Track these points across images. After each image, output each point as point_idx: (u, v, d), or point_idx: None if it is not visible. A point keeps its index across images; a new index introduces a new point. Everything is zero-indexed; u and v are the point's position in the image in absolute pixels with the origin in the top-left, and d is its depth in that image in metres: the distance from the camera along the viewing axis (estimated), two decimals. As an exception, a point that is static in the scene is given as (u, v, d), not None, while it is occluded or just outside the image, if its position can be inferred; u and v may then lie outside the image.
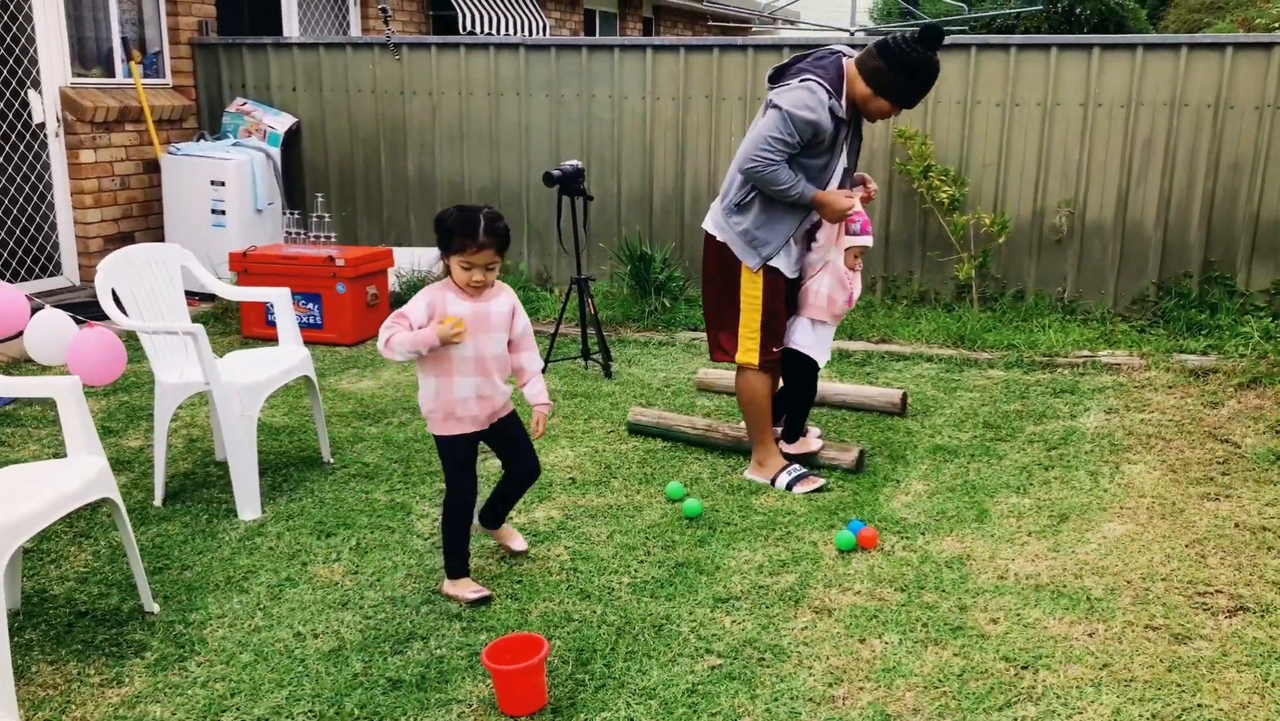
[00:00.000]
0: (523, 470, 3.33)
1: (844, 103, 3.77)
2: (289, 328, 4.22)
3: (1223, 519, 3.70)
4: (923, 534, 3.64)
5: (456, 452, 3.15)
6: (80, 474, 2.91)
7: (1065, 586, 3.25)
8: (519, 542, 3.50)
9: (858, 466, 4.19)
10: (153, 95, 7.50)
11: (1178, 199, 6.28)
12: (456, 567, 3.22)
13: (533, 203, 7.33)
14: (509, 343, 3.16)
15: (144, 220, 7.54)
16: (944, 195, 6.28)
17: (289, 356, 4.10)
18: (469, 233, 2.94)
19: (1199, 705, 2.62)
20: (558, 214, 5.60)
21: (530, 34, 11.93)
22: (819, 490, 3.98)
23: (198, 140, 7.60)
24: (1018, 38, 6.38)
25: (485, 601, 3.17)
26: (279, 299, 4.22)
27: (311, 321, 6.22)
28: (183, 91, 7.85)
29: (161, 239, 7.43)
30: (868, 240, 3.99)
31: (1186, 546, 3.50)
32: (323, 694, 2.74)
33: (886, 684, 2.75)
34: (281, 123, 7.57)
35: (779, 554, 3.51)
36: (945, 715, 2.61)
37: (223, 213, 7.07)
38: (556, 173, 5.40)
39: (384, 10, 7.44)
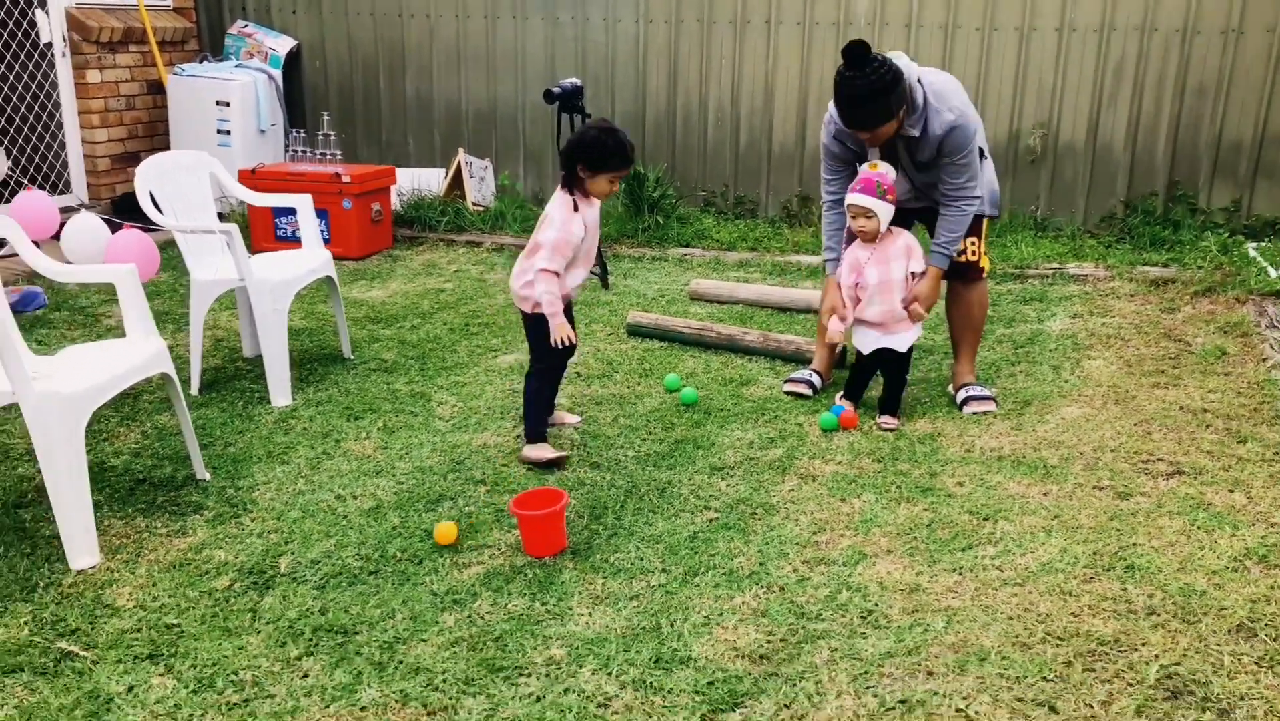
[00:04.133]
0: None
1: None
2: (311, 231, 4.51)
3: (1169, 403, 4.09)
4: (899, 416, 4.00)
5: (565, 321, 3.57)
6: (144, 349, 3.23)
7: (1025, 457, 3.63)
8: (572, 418, 3.95)
9: (841, 361, 4.54)
10: (154, 17, 7.66)
11: (1146, 122, 6.59)
12: (538, 433, 3.65)
13: (528, 124, 7.58)
14: None
15: (149, 140, 7.73)
16: (924, 116, 6.56)
17: (313, 258, 4.40)
18: (623, 158, 3.49)
19: (1134, 544, 3.01)
20: (556, 131, 5.86)
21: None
22: (797, 395, 4.26)
23: (200, 62, 7.78)
24: (997, -36, 6.62)
25: (561, 463, 3.59)
26: (302, 204, 4.50)
27: (319, 236, 6.48)
28: (183, 13, 8.00)
29: (167, 159, 7.64)
30: (854, 198, 3.81)
31: (1135, 425, 3.88)
32: (367, 541, 3.10)
33: (864, 532, 3.13)
34: (282, 45, 7.76)
35: (768, 432, 3.87)
36: (915, 554, 2.99)
37: (228, 132, 7.29)
38: (556, 90, 5.65)
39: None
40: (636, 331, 4.98)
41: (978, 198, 3.88)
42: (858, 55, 3.57)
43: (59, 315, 5.23)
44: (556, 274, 3.51)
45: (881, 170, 3.83)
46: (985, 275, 4.15)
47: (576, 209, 3.55)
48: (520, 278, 3.61)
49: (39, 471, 3.52)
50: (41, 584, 2.88)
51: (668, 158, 7.33)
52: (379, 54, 7.75)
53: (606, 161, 3.49)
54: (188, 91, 7.35)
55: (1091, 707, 2.33)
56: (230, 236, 3.96)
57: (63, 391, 2.89)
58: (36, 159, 7.16)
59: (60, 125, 7.26)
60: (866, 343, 4.02)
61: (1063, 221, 6.78)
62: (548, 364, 3.67)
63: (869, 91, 3.58)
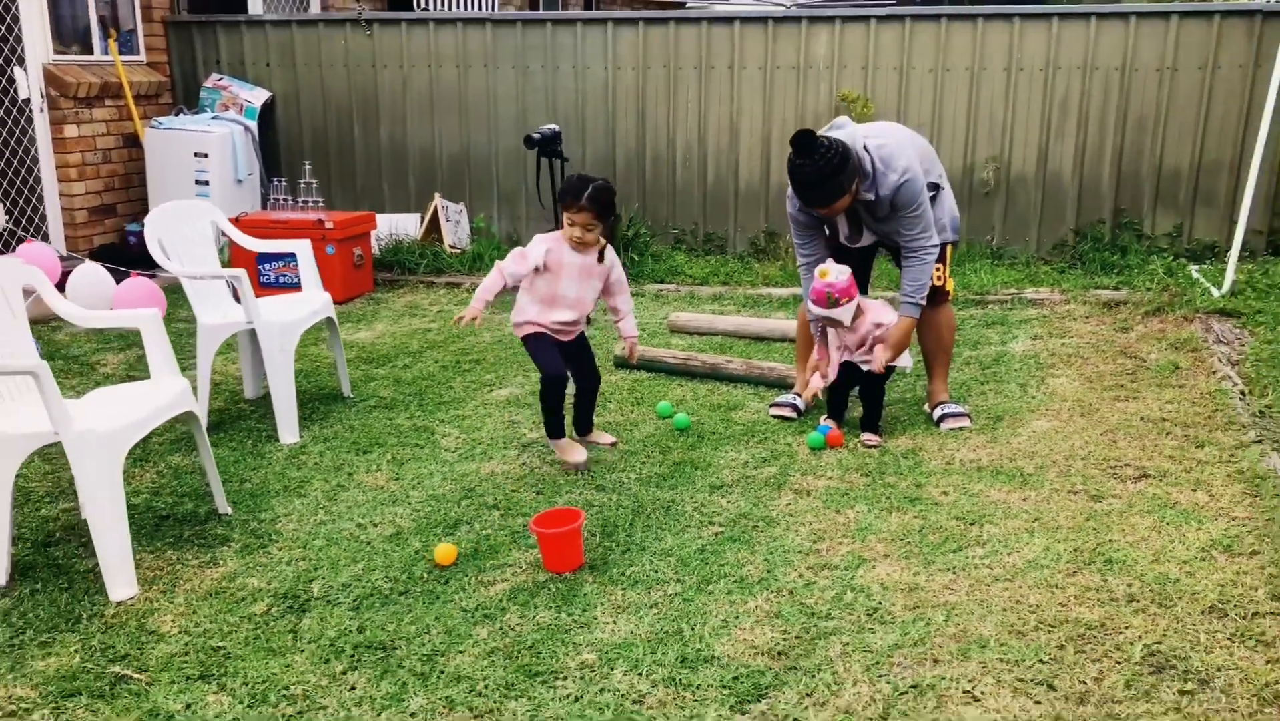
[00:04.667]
0: (587, 381, 4.16)
1: None
2: (311, 274, 4.68)
3: (1130, 414, 4.37)
4: (880, 434, 4.24)
5: (541, 343, 3.98)
6: (170, 389, 3.37)
7: (1002, 467, 3.88)
8: (607, 438, 4.23)
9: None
10: (129, 71, 7.80)
11: (1091, 153, 6.97)
12: (555, 428, 4.01)
13: (501, 169, 7.80)
14: (606, 289, 4.05)
15: (125, 193, 7.84)
16: (884, 153, 6.90)
17: (315, 299, 4.56)
18: (574, 195, 3.76)
19: (1110, 541, 3.26)
20: (536, 175, 6.10)
21: (484, 9, 12.31)
22: (783, 418, 4.46)
23: (176, 115, 7.92)
24: (947, 9, 7.00)
25: (584, 468, 3.92)
26: (302, 249, 4.68)
27: (299, 282, 6.62)
28: (157, 68, 8.14)
29: (145, 210, 7.75)
30: (811, 310, 4.18)
31: (1101, 434, 4.16)
32: (393, 565, 3.26)
33: (861, 539, 3.35)
34: (257, 96, 7.93)
35: (761, 453, 4.09)
36: (910, 557, 3.22)
37: (206, 183, 7.42)
38: (536, 135, 5.89)
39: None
40: (624, 363, 5.18)
41: (935, 246, 4.15)
42: (805, 143, 3.85)
43: (52, 364, 5.31)
44: (503, 274, 3.83)
45: (830, 279, 4.09)
46: (950, 298, 4.43)
47: (551, 240, 3.89)
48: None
49: (64, 511, 3.66)
50: (85, 614, 3.00)
51: (639, 198, 7.59)
52: (353, 104, 7.95)
53: (563, 198, 3.84)
54: (165, 143, 7.48)
55: (1085, 684, 2.55)
56: (239, 281, 4.12)
57: (100, 430, 3.03)
58: (15, 212, 7.23)
59: (39, 179, 7.35)
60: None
61: (1017, 250, 7.12)
62: (542, 375, 3.96)
63: (818, 176, 3.87)
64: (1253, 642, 2.69)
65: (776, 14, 7.20)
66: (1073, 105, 6.90)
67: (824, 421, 4.30)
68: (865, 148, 3.99)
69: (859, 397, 4.34)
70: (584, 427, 4.23)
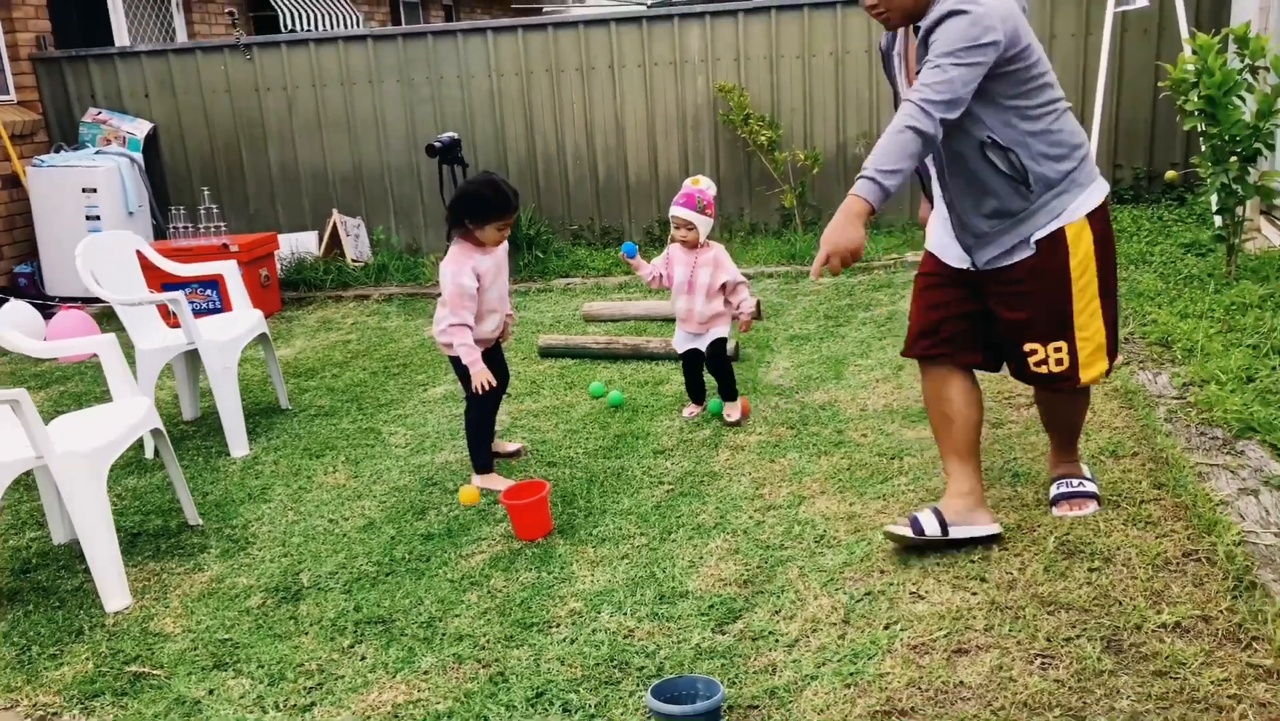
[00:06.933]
0: (500, 384, 3.98)
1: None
2: (240, 295, 4.81)
3: (1015, 352, 4.85)
4: (797, 392, 4.62)
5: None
6: (137, 409, 3.50)
7: (910, 410, 4.30)
8: (511, 446, 4.16)
9: (735, 355, 5.13)
10: (0, 112, 7.66)
11: (950, 124, 7.53)
12: (484, 464, 3.91)
13: (395, 183, 7.95)
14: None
15: (9, 235, 7.71)
16: (763, 138, 7.33)
17: (249, 317, 4.69)
18: (505, 206, 3.71)
19: (1015, 458, 3.70)
20: (439, 183, 6.30)
21: (346, 27, 12.34)
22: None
23: (56, 151, 7.82)
24: (808, -1, 7.46)
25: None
26: (229, 270, 4.80)
27: (211, 306, 6.68)
28: (29, 106, 8.02)
29: (33, 250, 7.64)
30: (675, 210, 4.21)
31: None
32: (372, 552, 3.46)
33: (797, 481, 3.71)
34: (139, 128, 7.89)
35: (692, 420, 4.42)
36: (844, 491, 3.59)
37: (97, 217, 7.37)
38: (437, 144, 6.10)
39: (231, 14, 7.90)
40: (549, 352, 5.45)
41: (922, 122, 2.65)
42: None
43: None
44: (466, 326, 3.72)
45: (703, 186, 4.25)
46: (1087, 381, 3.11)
47: (468, 259, 3.73)
48: (437, 325, 3.85)
49: (33, 540, 3.74)
50: (85, 626, 3.12)
51: (534, 198, 7.84)
52: (238, 128, 7.98)
53: (489, 213, 3.70)
54: (50, 181, 7.39)
55: (1011, 574, 2.95)
56: (179, 304, 4.24)
57: (82, 450, 3.16)
58: (-103, 264, 7.06)
59: (-81, 227, 7.19)
60: (679, 343, 4.42)
61: (894, 218, 7.64)
62: (474, 401, 3.83)
63: None
64: (1142, 524, 3.14)
65: (650, 14, 7.56)
66: (930, 81, 7.44)
67: (688, 411, 4.54)
68: None
69: (710, 373, 4.43)
70: None
